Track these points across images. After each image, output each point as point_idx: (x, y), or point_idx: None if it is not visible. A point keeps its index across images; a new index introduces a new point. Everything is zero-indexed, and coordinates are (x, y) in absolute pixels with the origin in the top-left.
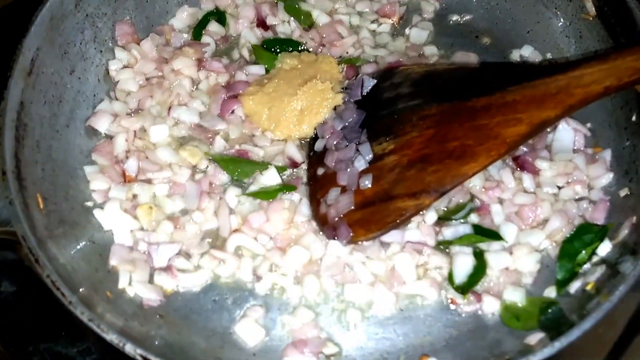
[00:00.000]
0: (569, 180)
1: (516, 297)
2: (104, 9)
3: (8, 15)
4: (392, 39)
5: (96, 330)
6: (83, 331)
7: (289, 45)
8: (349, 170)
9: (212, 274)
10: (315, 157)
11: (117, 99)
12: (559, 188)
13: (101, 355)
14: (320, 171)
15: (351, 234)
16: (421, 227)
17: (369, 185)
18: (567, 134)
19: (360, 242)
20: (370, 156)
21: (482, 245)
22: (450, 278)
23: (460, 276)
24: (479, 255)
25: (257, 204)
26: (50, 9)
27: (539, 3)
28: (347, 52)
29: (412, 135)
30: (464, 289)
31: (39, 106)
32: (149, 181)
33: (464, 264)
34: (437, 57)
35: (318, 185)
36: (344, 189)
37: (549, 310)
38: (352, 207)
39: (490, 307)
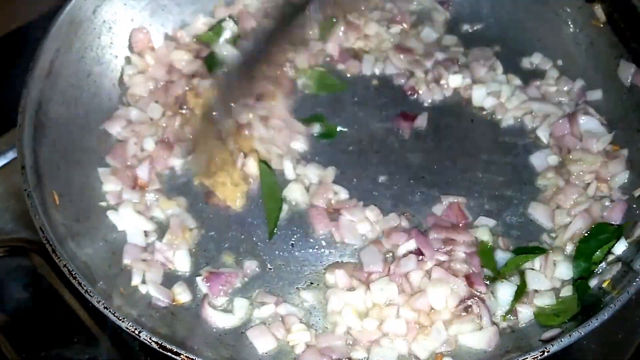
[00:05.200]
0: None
1: (547, 300)
2: (120, 16)
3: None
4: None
5: (112, 318)
6: (94, 337)
7: None
8: None
9: (246, 315)
10: None
11: (128, 104)
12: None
13: None
14: None
15: None
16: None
17: None
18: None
19: None
20: None
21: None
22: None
23: (505, 304)
24: (521, 274)
25: None
26: (70, 14)
27: (550, 11)
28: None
29: None
30: (507, 312)
31: (56, 106)
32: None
33: (508, 291)
34: (456, 45)
35: None
36: None
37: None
38: None
39: (525, 316)
